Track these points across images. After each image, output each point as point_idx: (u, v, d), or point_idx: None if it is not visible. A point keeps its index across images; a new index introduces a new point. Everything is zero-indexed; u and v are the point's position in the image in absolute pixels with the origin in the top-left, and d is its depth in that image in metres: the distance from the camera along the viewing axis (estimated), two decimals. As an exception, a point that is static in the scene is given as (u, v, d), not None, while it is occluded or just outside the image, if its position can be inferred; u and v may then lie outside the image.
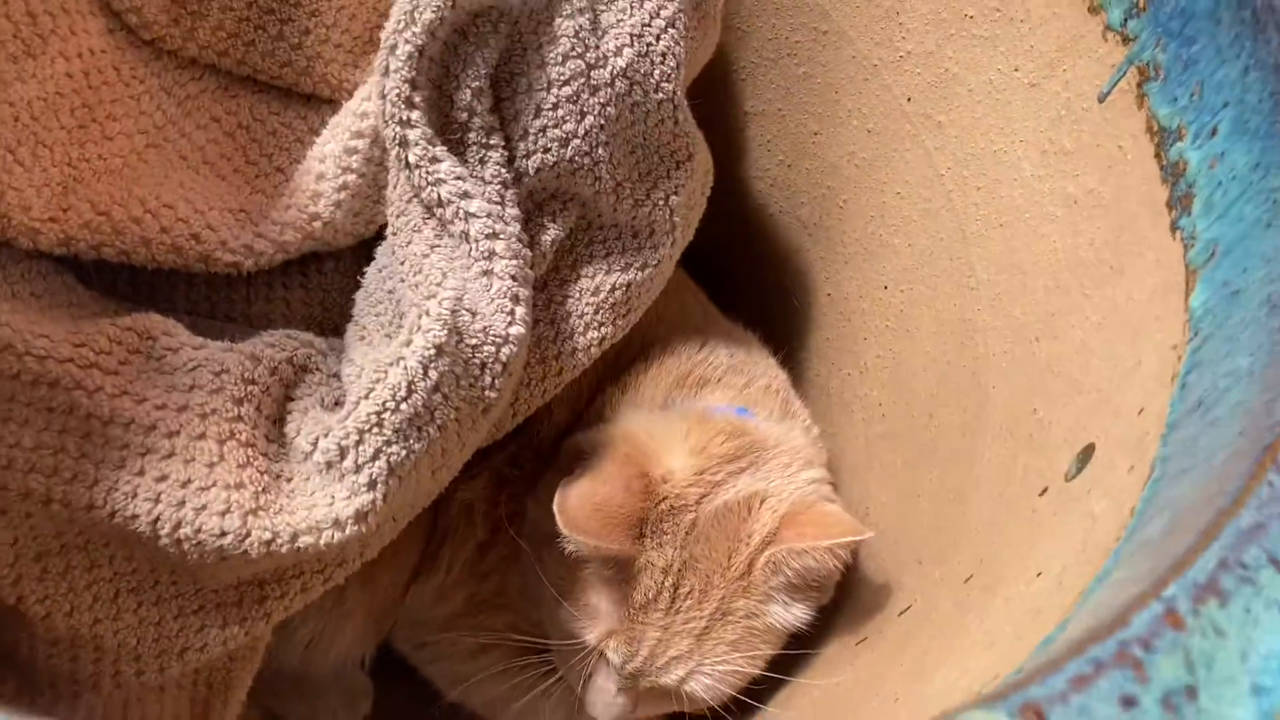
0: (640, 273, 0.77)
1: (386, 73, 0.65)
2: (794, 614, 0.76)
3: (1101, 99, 0.68)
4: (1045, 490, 0.65)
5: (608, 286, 0.76)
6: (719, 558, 0.73)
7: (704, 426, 0.79)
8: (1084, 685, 0.32)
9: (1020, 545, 0.64)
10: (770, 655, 0.76)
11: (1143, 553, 0.44)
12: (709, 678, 0.73)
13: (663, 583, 0.73)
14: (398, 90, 0.64)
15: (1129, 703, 0.32)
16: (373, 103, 0.71)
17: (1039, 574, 0.59)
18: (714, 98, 0.85)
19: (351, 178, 0.71)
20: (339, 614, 0.81)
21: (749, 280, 1.07)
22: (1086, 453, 0.62)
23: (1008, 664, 0.51)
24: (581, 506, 0.71)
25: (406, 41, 0.64)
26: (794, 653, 0.79)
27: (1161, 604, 0.35)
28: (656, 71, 0.71)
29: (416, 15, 0.64)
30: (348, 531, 0.61)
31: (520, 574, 0.83)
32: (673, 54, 0.71)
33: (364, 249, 0.75)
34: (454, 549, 0.83)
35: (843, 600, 0.83)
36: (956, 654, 0.62)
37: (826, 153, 0.94)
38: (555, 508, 0.70)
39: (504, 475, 0.83)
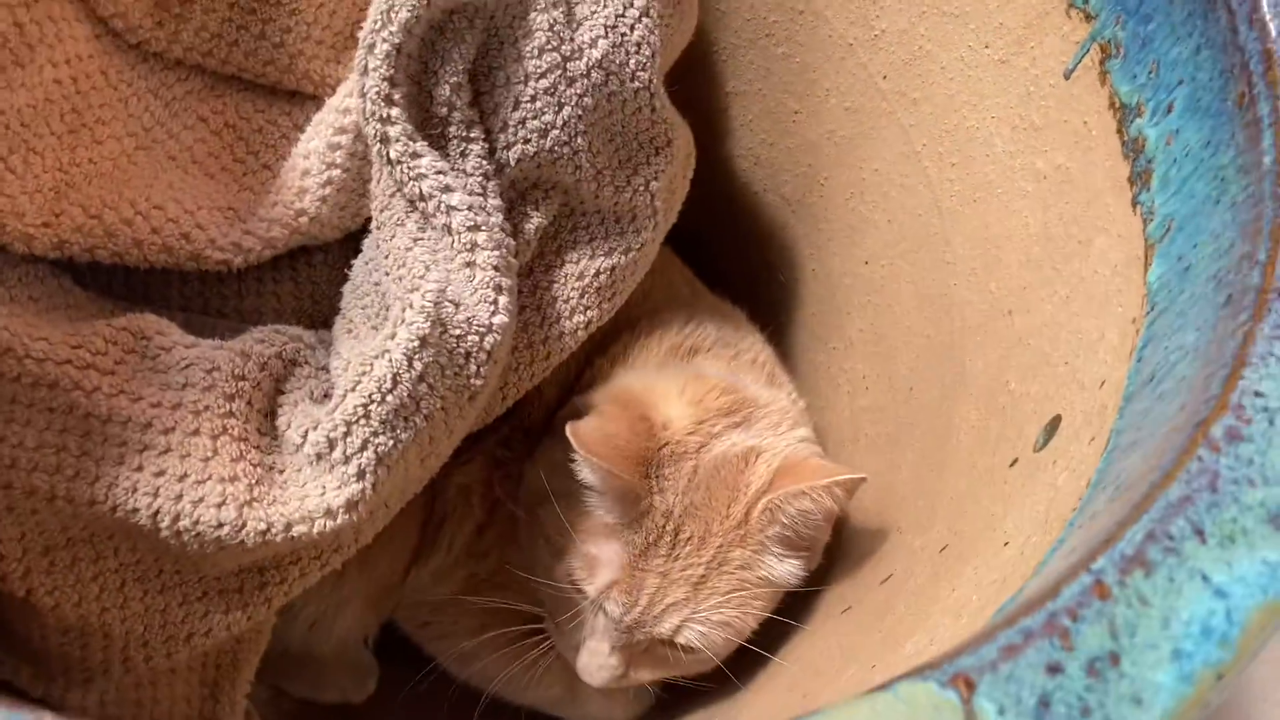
0: (624, 256, 0.78)
1: (365, 71, 0.66)
2: (787, 568, 0.78)
3: (1067, 75, 0.69)
4: (1016, 461, 0.67)
5: (592, 271, 0.78)
6: (718, 505, 0.75)
7: (699, 383, 0.82)
8: (1013, 654, 0.34)
9: (991, 515, 0.66)
10: (762, 612, 0.78)
11: (1089, 524, 0.46)
12: (702, 626, 0.75)
13: (664, 526, 0.74)
14: (377, 88, 0.66)
15: (1055, 670, 0.34)
16: (355, 98, 0.72)
17: (1006, 543, 0.61)
18: (695, 79, 0.86)
19: (336, 173, 0.73)
20: (339, 597, 0.83)
21: (735, 259, 1.09)
22: (1054, 424, 0.64)
23: (970, 632, 0.53)
24: (593, 433, 0.73)
25: (384, 40, 0.66)
26: (783, 620, 0.81)
27: (1090, 575, 0.36)
28: (632, 61, 0.72)
29: (393, 14, 0.65)
30: (339, 520, 0.64)
31: (517, 549, 0.85)
32: (647, 43, 0.73)
33: (351, 241, 0.76)
34: (453, 531, 0.85)
35: (830, 568, 0.85)
36: (928, 622, 0.64)
37: (807, 131, 0.95)
38: (569, 432, 0.72)
39: (497, 457, 0.85)
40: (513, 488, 0.85)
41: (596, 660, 0.77)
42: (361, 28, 0.77)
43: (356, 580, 0.83)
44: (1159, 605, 0.36)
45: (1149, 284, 0.58)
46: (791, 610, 0.86)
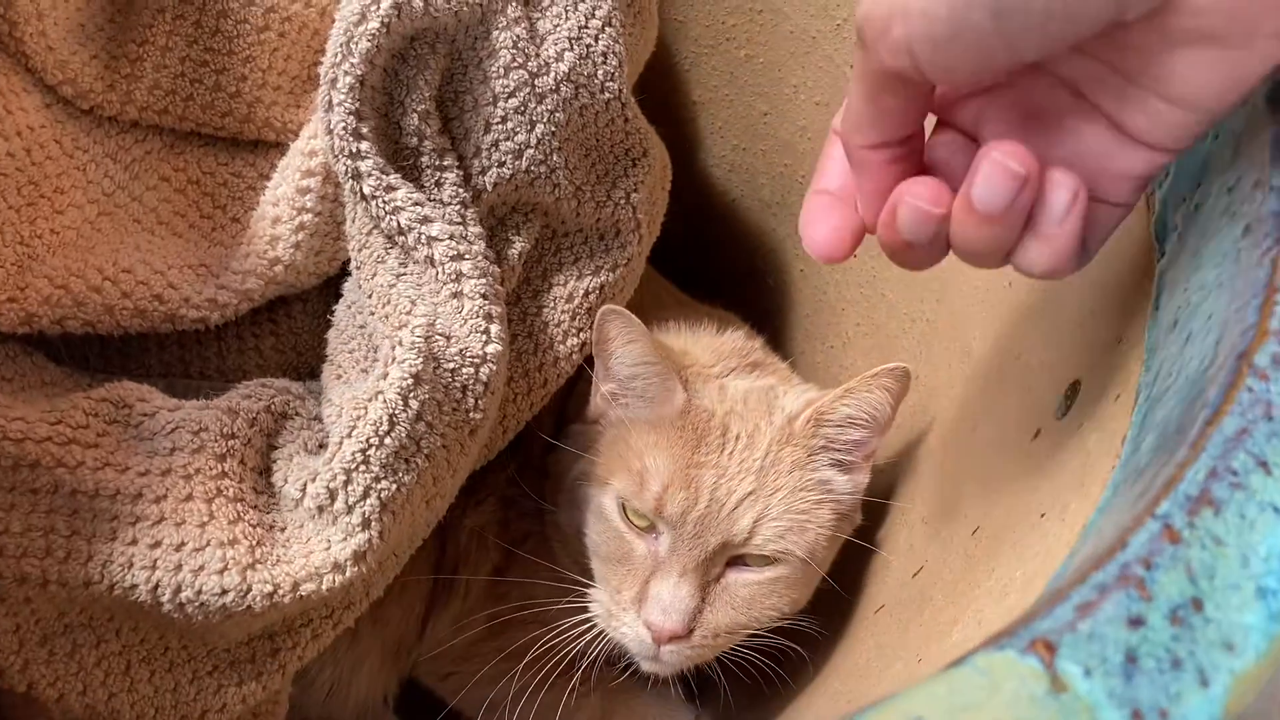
0: (611, 274, 0.76)
1: (330, 107, 0.64)
2: (842, 479, 0.74)
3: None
4: (1038, 432, 0.65)
5: (581, 291, 0.76)
6: (760, 410, 0.73)
7: (714, 338, 0.82)
8: (1090, 611, 0.32)
9: (1021, 490, 0.64)
10: (830, 528, 0.73)
11: (1137, 476, 0.43)
12: (778, 523, 0.70)
13: (709, 423, 0.72)
14: (344, 123, 0.64)
15: (1137, 622, 0.32)
16: (320, 139, 0.70)
17: (1042, 515, 0.58)
18: (659, 92, 0.85)
19: (308, 217, 0.71)
20: (354, 657, 0.80)
21: (722, 268, 1.07)
22: (1073, 389, 0.62)
23: (1021, 609, 0.50)
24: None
25: (346, 74, 0.64)
26: (812, 629, 0.78)
27: (1157, 521, 0.34)
28: (600, 72, 0.71)
29: (353, 46, 0.64)
30: (348, 574, 0.61)
31: (542, 579, 0.81)
32: (613, 53, 0.71)
33: (331, 287, 0.74)
34: (469, 576, 0.82)
35: (857, 571, 0.82)
36: (972, 607, 0.61)
37: (778, 131, 0.94)
38: (601, 311, 0.71)
39: (508, 497, 0.82)
40: (530, 529, 0.82)
41: (665, 595, 0.69)
42: (319, 68, 0.76)
43: (370, 637, 0.80)
44: (1234, 544, 0.34)
45: (1154, 232, 0.57)
46: (821, 621, 0.84)
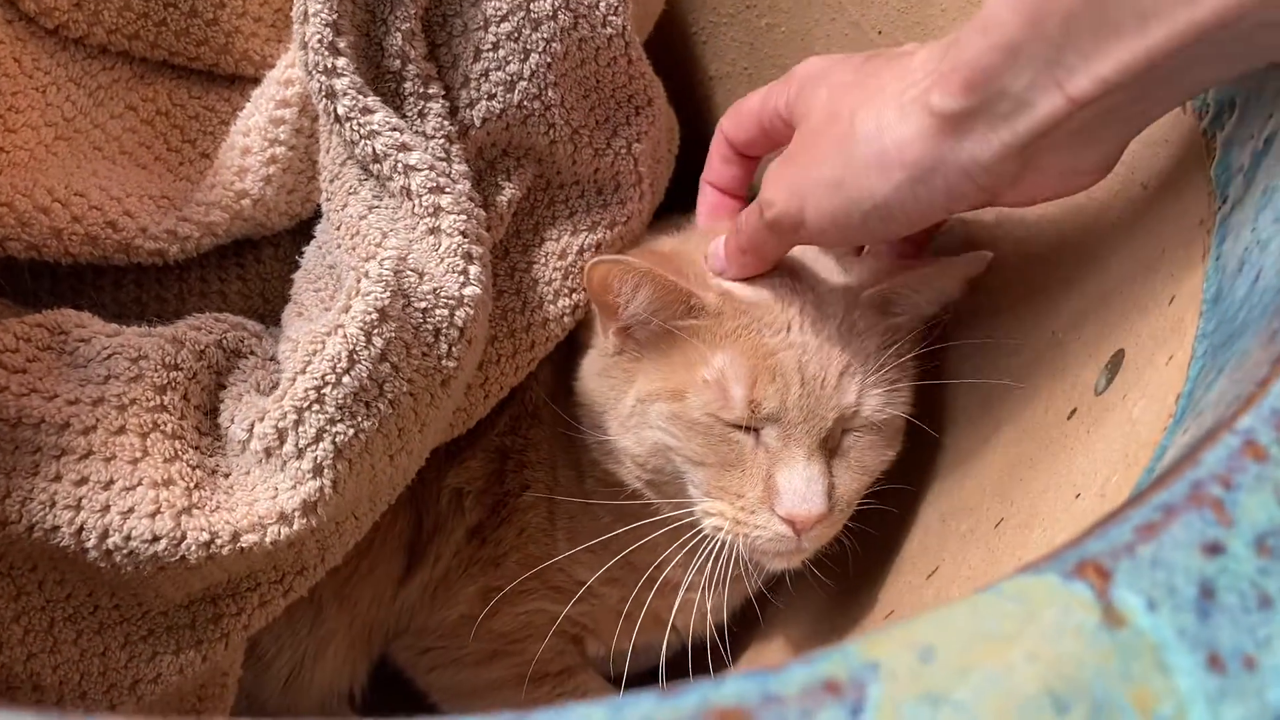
0: (610, 231, 0.70)
1: (305, 18, 0.59)
2: (911, 320, 0.69)
3: None
4: (1074, 411, 0.58)
5: (575, 248, 0.70)
6: (811, 279, 0.66)
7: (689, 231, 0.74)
8: (1153, 534, 0.26)
9: (1052, 473, 0.57)
10: (911, 360, 0.68)
11: (1199, 419, 0.37)
12: (881, 388, 0.64)
13: (756, 303, 0.64)
14: (319, 35, 0.58)
15: (1213, 550, 0.25)
16: (298, 68, 0.65)
17: (1077, 495, 0.52)
18: (674, 66, 0.79)
19: (280, 150, 0.65)
20: (317, 639, 0.74)
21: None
22: (1116, 360, 0.56)
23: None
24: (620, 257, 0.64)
25: (323, -21, 0.58)
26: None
27: (1237, 436, 0.28)
28: (602, 4, 0.65)
29: (332, -49, 0.58)
30: (296, 526, 0.55)
31: (566, 526, 0.76)
32: (617, -16, 0.66)
33: (302, 233, 0.68)
34: (441, 541, 0.75)
35: (864, 575, 0.76)
36: (994, 599, 0.54)
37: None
38: (593, 260, 0.63)
39: (504, 447, 0.76)
40: (529, 478, 0.75)
41: (800, 477, 0.63)
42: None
43: (336, 618, 0.73)
44: (1335, 463, 0.27)
45: (1214, 177, 0.50)
46: (827, 626, 0.77)
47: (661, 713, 0.23)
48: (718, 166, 0.71)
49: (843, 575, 0.72)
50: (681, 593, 0.72)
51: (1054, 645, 0.24)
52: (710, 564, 0.66)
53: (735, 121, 0.67)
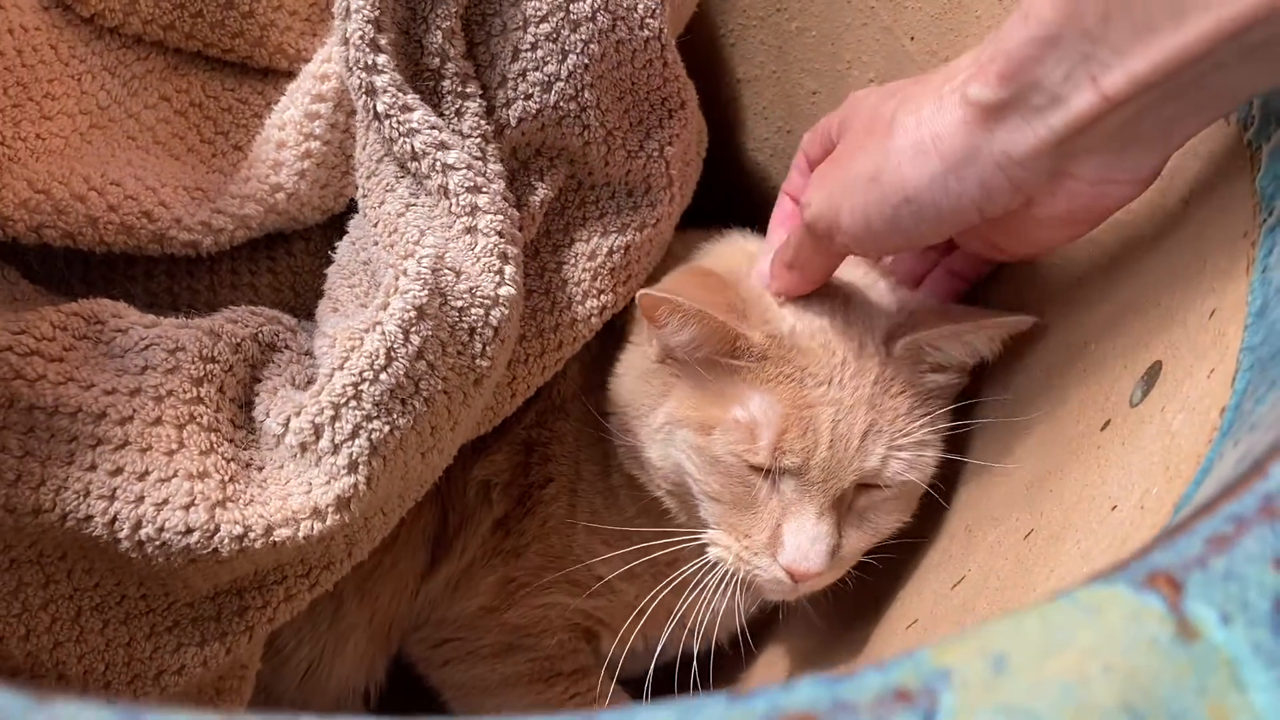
0: (638, 233, 0.70)
1: (347, 14, 0.59)
2: (948, 379, 0.68)
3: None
4: (1108, 423, 0.58)
5: (605, 250, 0.70)
6: (857, 321, 0.66)
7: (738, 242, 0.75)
8: (1224, 547, 0.25)
9: (1085, 485, 0.57)
10: (944, 423, 0.68)
11: (1252, 433, 0.37)
12: (906, 452, 0.64)
13: (805, 348, 0.64)
14: (360, 31, 0.58)
15: (1288, 565, 0.25)
16: (334, 63, 0.65)
17: (1113, 507, 0.52)
18: (701, 68, 0.79)
19: (315, 144, 0.65)
20: (336, 634, 0.74)
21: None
22: (1153, 372, 0.55)
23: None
24: (668, 289, 0.63)
25: (366, -24, 0.58)
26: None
27: (1307, 450, 0.28)
28: (640, 5, 0.65)
29: (374, -51, 0.58)
30: (329, 521, 0.55)
31: (587, 519, 0.76)
32: (654, -13, 0.66)
33: (335, 227, 0.68)
34: (468, 533, 0.75)
35: (885, 586, 0.75)
36: (1027, 609, 0.54)
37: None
38: (642, 292, 0.63)
39: (530, 440, 0.75)
40: (553, 472, 0.75)
41: (806, 534, 0.63)
42: (340, -3, 0.71)
43: (356, 613, 0.73)
44: None
45: (1260, 189, 0.50)
46: (833, 644, 0.77)
47: (732, 716, 0.23)
48: (796, 179, 0.71)
49: (861, 582, 0.72)
50: (695, 594, 0.72)
51: (1129, 657, 0.24)
52: (714, 583, 0.67)
53: (811, 137, 0.68)
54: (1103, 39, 0.44)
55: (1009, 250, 0.60)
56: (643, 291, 0.63)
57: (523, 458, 0.76)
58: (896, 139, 0.53)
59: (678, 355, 0.66)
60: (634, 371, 0.70)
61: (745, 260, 0.71)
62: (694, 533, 0.69)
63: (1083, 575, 0.49)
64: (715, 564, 0.68)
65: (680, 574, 0.69)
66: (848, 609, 0.78)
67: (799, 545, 0.64)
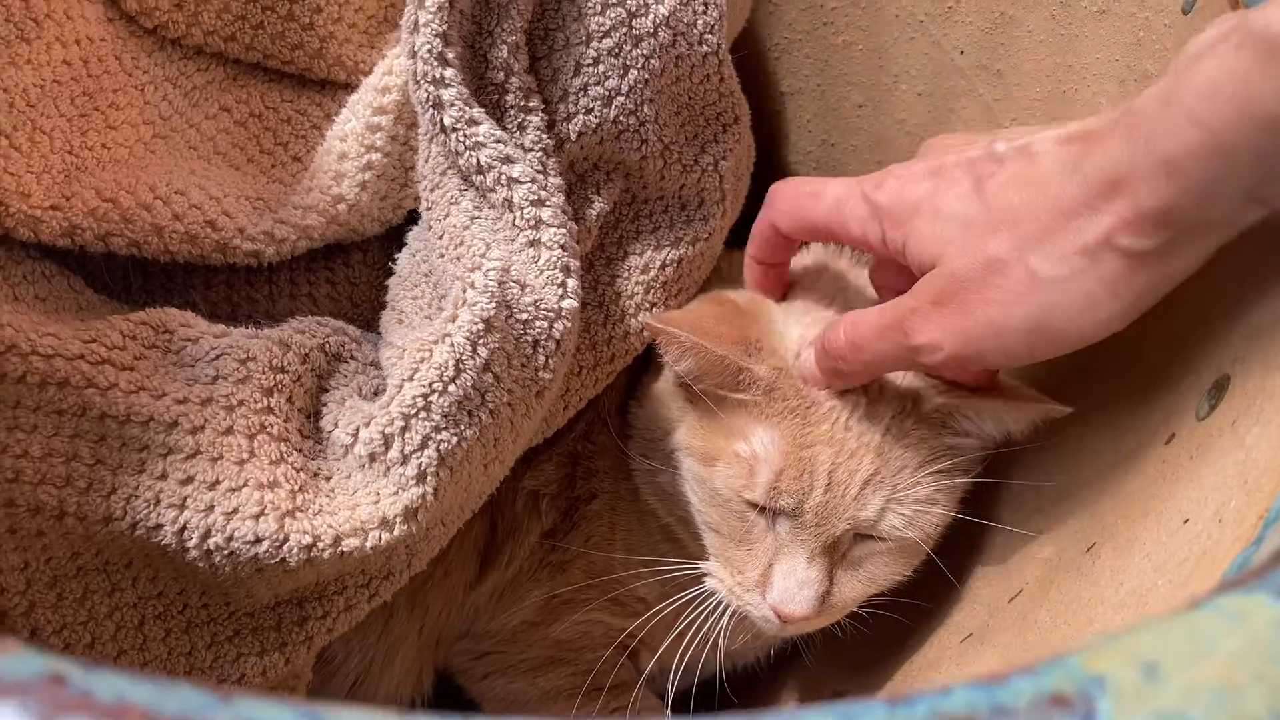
0: (691, 247, 0.71)
1: (415, 28, 0.59)
2: (969, 441, 0.67)
3: (1186, 9, 0.63)
4: (1173, 437, 0.58)
5: (658, 263, 0.70)
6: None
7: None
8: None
9: (1152, 499, 0.57)
10: (961, 487, 0.67)
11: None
12: (907, 507, 0.63)
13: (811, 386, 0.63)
14: (429, 45, 0.59)
15: None
16: (395, 76, 0.66)
17: (1186, 520, 0.52)
18: (745, 81, 0.79)
19: (376, 156, 0.65)
20: (386, 644, 0.74)
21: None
22: (1220, 386, 0.55)
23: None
24: (676, 320, 0.64)
25: (435, -10, 0.59)
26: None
27: None
28: (699, 21, 0.65)
29: (444, -38, 0.59)
30: (396, 532, 0.55)
31: (612, 544, 0.76)
32: (714, 4, 0.66)
33: (392, 239, 0.69)
34: (516, 543, 0.75)
35: (935, 597, 0.75)
36: (1096, 623, 0.54)
37: (873, 125, 0.89)
38: (648, 317, 0.64)
39: (575, 452, 0.76)
40: (595, 488, 0.75)
41: (795, 578, 0.63)
42: (398, 8, 0.71)
43: (406, 624, 0.73)
44: None
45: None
46: (880, 659, 0.76)
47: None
48: (768, 249, 0.69)
49: (906, 594, 0.72)
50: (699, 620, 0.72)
51: (1278, 666, 0.24)
52: (711, 612, 0.68)
53: (793, 223, 0.65)
54: (1264, 175, 0.44)
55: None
56: (646, 319, 0.63)
57: (569, 470, 0.76)
58: (1055, 295, 0.52)
59: (688, 382, 0.66)
60: (655, 394, 0.71)
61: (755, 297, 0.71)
62: (695, 562, 0.70)
63: (1159, 586, 0.50)
64: (712, 593, 0.68)
65: (683, 597, 0.69)
66: (888, 625, 0.78)
67: (786, 588, 0.64)
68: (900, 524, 0.63)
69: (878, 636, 0.79)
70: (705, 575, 0.68)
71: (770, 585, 0.64)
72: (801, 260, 0.75)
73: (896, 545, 0.65)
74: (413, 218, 0.68)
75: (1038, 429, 0.65)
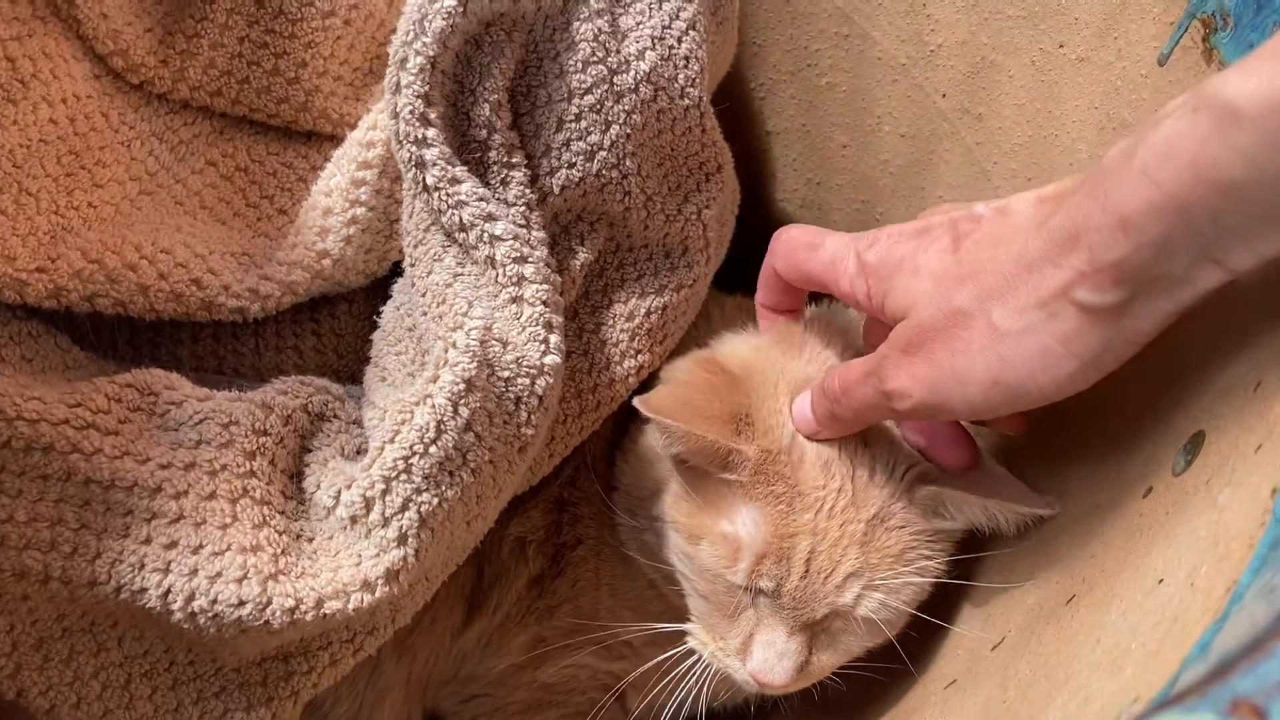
0: (675, 294, 0.71)
1: (397, 89, 0.60)
2: (957, 526, 0.67)
3: (1162, 61, 0.63)
4: (1150, 490, 0.58)
5: (642, 311, 0.70)
6: (879, 443, 0.65)
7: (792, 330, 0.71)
8: (1312, 673, 0.26)
9: (1129, 553, 0.57)
10: (939, 566, 0.67)
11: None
12: (883, 594, 0.64)
13: (799, 466, 0.63)
14: (411, 106, 0.59)
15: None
16: (379, 130, 0.66)
17: (1160, 581, 0.52)
18: (731, 120, 0.80)
19: (360, 211, 0.66)
20: (375, 692, 0.74)
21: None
22: (1195, 442, 0.56)
23: (1148, 682, 0.44)
24: (666, 399, 0.63)
25: (417, 53, 0.59)
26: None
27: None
28: (681, 76, 0.66)
29: (426, 24, 0.59)
30: (378, 594, 0.55)
31: (601, 593, 0.76)
32: (695, 57, 0.67)
33: (378, 290, 0.69)
34: (503, 589, 0.76)
35: (921, 642, 0.75)
36: (1072, 680, 0.54)
37: (857, 165, 0.89)
38: (637, 402, 0.62)
39: (562, 498, 0.76)
40: (581, 533, 0.76)
41: (774, 649, 0.64)
42: (380, 62, 0.72)
43: (394, 671, 0.74)
44: None
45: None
46: (867, 700, 0.77)
47: None
48: (774, 296, 0.70)
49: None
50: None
51: (1221, 789, 0.24)
52: (691, 668, 0.70)
53: (791, 272, 0.66)
54: (1220, 235, 0.44)
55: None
56: (637, 402, 0.63)
57: (555, 516, 0.77)
58: (1012, 347, 0.52)
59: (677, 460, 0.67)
60: (641, 453, 0.71)
61: (757, 350, 0.70)
62: (678, 625, 0.70)
63: (1133, 649, 0.50)
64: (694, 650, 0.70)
65: (670, 655, 0.70)
66: (874, 668, 0.79)
67: (765, 659, 0.65)
68: (876, 608, 0.64)
69: (863, 680, 0.79)
70: (686, 635, 0.69)
71: (750, 654, 0.65)
72: (819, 308, 0.75)
73: (872, 623, 0.66)
74: (398, 269, 0.68)
75: (1027, 525, 0.66)
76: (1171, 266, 0.46)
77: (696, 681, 0.69)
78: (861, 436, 0.65)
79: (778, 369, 0.67)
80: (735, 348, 0.72)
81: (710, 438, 0.62)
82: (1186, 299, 0.47)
